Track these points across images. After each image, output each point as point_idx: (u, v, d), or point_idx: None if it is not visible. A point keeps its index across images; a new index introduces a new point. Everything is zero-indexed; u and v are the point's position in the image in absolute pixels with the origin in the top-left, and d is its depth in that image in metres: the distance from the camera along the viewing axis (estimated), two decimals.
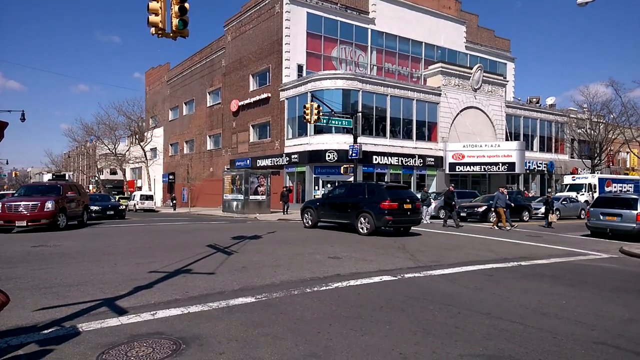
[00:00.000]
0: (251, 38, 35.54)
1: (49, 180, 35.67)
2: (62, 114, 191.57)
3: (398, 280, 7.08)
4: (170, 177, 49.01)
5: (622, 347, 4.12)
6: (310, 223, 17.00)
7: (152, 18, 7.82)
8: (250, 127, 36.07)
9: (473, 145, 32.53)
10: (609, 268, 9.09)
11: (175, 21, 8.04)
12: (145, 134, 50.42)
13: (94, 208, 22.47)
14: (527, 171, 36.96)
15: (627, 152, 45.39)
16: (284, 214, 26.51)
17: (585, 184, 32.37)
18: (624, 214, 14.06)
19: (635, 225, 13.70)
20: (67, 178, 38.71)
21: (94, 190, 58.98)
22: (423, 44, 37.94)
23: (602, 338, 4.36)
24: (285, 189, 28.25)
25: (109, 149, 51.24)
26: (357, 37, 34.73)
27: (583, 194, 31.14)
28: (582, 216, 24.85)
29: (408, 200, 14.37)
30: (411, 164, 31.49)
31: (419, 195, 20.76)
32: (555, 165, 40.22)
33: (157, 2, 7.85)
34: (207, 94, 42.73)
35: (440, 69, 33.65)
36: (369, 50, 35.31)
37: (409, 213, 14.29)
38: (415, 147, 31.95)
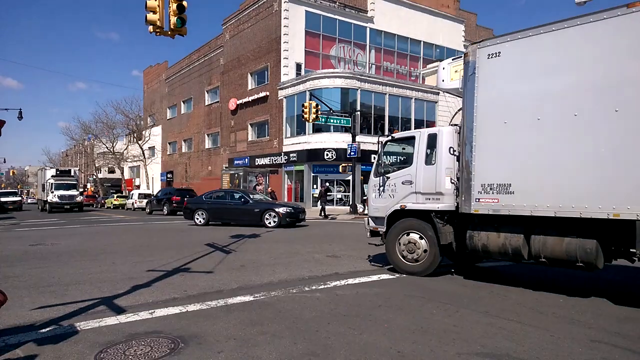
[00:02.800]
0: (249, 36, 35.47)
1: (52, 176, 33.18)
2: (60, 112, 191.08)
3: (396, 279, 7.09)
4: (169, 175, 48.93)
5: (619, 345, 4.14)
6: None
7: (150, 16, 7.80)
8: (249, 126, 36.03)
9: None
10: (606, 266, 9.09)
11: (173, 19, 8.01)
12: (144, 132, 50.32)
13: (281, 211, 16.56)
14: None
15: None
16: (321, 215, 23.00)
17: None
18: None
19: None
20: (72, 174, 35.59)
21: (92, 189, 58.54)
22: (422, 42, 37.94)
23: (598, 336, 4.38)
24: (323, 189, 25.13)
25: (107, 148, 51.16)
26: (355, 36, 34.70)
27: None
28: None
29: (187, 197, 23.61)
30: None
31: None
32: None
33: (155, 0, 7.83)
34: (206, 92, 42.66)
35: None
36: (367, 49, 35.29)
37: None
38: None
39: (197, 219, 18.04)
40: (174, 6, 7.99)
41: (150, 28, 7.90)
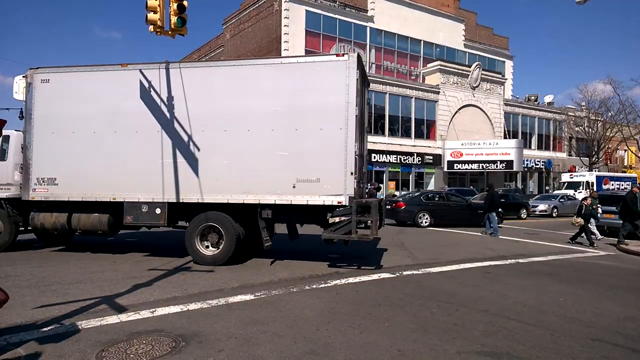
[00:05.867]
0: (250, 36, 35.48)
1: None
2: None
3: (396, 278, 7.11)
4: None
5: (619, 344, 4.15)
6: None
7: (151, 16, 7.78)
8: None
9: (471, 143, 32.59)
10: (607, 265, 9.13)
11: (173, 19, 8.00)
12: None
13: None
14: (525, 169, 37.00)
15: (625, 150, 45.43)
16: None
17: (583, 182, 32.44)
18: None
19: None
20: None
21: None
22: (422, 42, 37.89)
23: (599, 335, 4.39)
24: (373, 188, 19.86)
25: None
26: (355, 35, 34.67)
27: (580, 192, 31.22)
28: None
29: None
30: (410, 162, 31.52)
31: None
32: (553, 163, 40.26)
33: (156, 0, 7.82)
34: None
35: (439, 67, 33.64)
36: (367, 49, 35.26)
37: None
38: (414, 145, 31.98)
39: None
40: (174, 6, 7.98)
41: (151, 28, 7.89)
